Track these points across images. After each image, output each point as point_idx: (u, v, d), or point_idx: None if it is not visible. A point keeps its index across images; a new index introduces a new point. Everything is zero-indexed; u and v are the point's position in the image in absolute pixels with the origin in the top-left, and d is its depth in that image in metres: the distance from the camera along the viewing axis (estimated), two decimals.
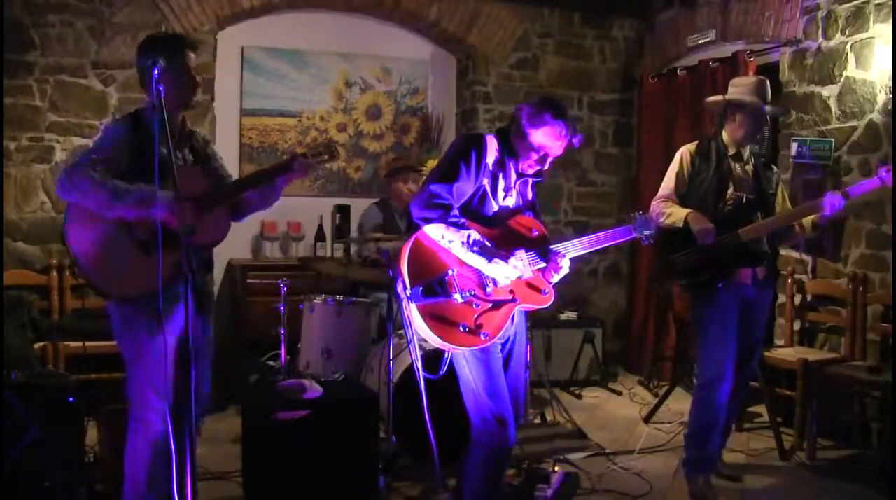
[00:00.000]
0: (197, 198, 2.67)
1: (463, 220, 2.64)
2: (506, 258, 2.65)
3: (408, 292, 2.58)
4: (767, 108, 3.62)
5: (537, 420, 4.64)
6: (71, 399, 3.20)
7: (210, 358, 2.99)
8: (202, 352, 2.83)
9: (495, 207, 2.80)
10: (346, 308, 4.23)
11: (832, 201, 3.39)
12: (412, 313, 2.59)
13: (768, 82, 3.68)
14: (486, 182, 2.75)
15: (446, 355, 2.76)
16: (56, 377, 3.46)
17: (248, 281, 5.25)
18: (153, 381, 2.63)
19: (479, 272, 2.67)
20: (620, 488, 3.68)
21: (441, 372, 2.78)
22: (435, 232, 2.64)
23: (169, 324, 2.57)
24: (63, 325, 4.55)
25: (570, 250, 2.85)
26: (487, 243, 2.64)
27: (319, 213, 5.72)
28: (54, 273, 4.68)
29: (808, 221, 3.58)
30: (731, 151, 3.65)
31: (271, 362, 4.42)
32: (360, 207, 5.27)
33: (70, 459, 3.17)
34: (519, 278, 2.71)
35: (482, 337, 2.63)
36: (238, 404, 4.39)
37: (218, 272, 5.57)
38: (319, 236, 5.70)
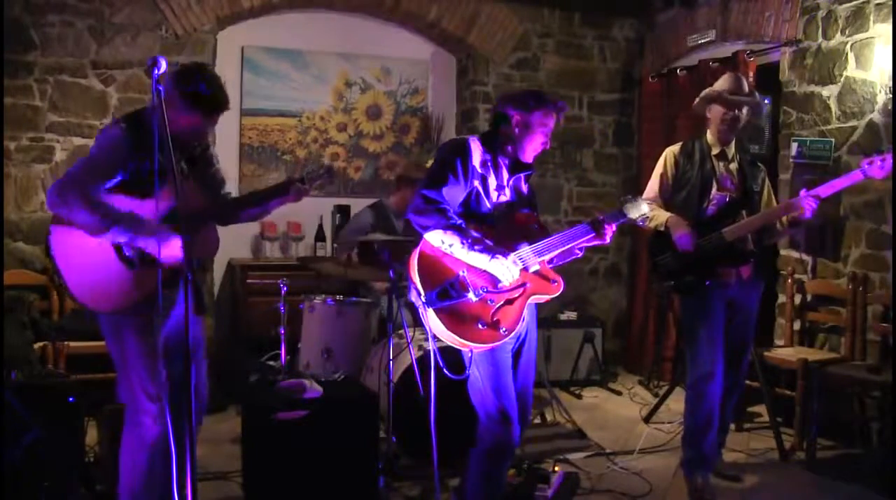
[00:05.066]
0: (193, 215, 2.63)
1: (460, 220, 2.69)
2: (506, 254, 2.68)
3: (423, 298, 2.61)
4: (739, 97, 3.63)
5: (537, 420, 4.64)
6: (71, 399, 3.20)
7: (205, 357, 2.98)
8: (199, 352, 2.83)
9: (489, 205, 2.84)
10: (346, 308, 4.23)
11: (809, 204, 3.39)
12: (429, 317, 2.62)
13: (744, 78, 3.74)
14: (476, 184, 2.79)
15: (468, 353, 2.76)
16: (56, 377, 3.46)
17: (248, 281, 5.26)
18: (145, 385, 2.62)
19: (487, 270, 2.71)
20: (620, 488, 3.68)
21: (466, 373, 2.79)
22: (434, 238, 2.69)
23: (160, 327, 2.56)
24: (63, 325, 4.55)
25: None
26: (487, 241, 2.67)
27: (319, 213, 5.72)
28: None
29: (785, 218, 3.59)
30: (716, 151, 3.67)
31: (271, 362, 4.42)
32: (359, 207, 5.26)
33: (70, 459, 3.17)
34: (526, 270, 2.75)
35: (501, 332, 2.66)
36: (238, 404, 4.39)
37: (218, 272, 5.58)
38: (319, 236, 5.70)
